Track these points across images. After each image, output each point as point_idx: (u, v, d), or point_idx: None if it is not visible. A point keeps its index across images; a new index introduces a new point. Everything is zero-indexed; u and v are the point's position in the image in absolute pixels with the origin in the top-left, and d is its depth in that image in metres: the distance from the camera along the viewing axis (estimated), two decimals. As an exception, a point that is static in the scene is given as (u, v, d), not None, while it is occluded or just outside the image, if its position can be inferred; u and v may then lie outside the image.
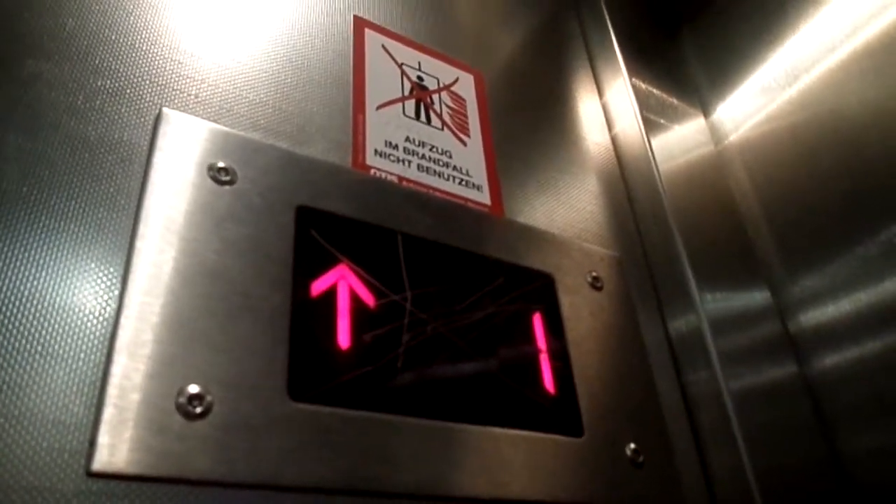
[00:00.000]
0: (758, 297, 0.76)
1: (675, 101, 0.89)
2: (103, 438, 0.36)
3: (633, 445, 0.57)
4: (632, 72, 0.86)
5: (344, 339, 0.47)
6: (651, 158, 0.78)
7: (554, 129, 0.79)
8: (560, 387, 0.56)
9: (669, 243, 0.73)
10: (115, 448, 0.36)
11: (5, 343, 0.37)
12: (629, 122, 0.83)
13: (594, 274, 0.66)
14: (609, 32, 0.91)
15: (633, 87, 0.85)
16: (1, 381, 0.36)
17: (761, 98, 0.84)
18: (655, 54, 0.94)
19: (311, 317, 0.47)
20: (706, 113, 0.91)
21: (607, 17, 0.92)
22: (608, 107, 0.87)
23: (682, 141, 0.84)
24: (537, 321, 0.58)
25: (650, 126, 0.82)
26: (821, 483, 0.64)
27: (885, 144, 0.69)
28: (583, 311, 0.62)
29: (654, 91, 0.88)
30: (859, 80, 0.73)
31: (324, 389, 0.44)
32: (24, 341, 0.37)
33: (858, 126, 0.72)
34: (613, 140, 0.84)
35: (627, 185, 0.81)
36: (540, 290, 0.61)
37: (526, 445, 0.51)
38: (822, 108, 0.77)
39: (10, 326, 0.37)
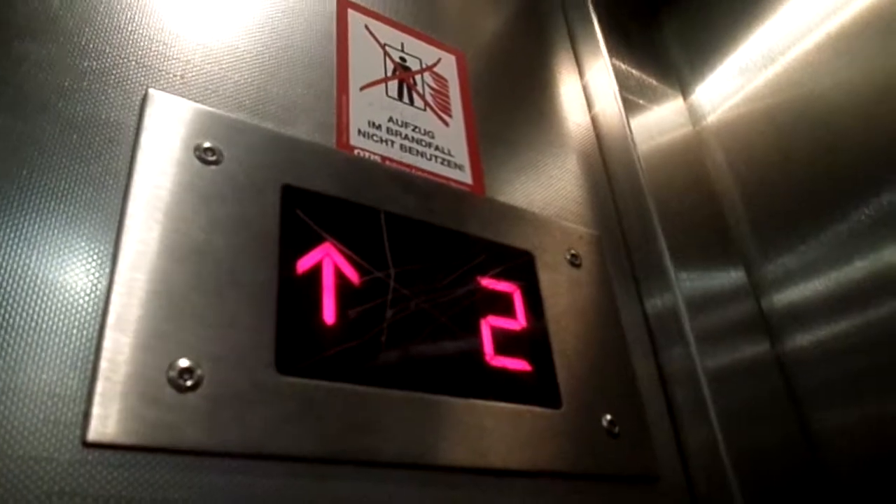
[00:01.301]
0: (733, 276, 0.77)
1: (654, 81, 0.90)
2: (97, 410, 0.38)
3: (608, 416, 0.59)
4: (612, 52, 0.87)
5: (329, 314, 0.49)
6: (630, 139, 0.79)
7: (535, 109, 0.80)
8: (539, 360, 0.58)
9: (647, 222, 0.74)
10: (108, 419, 0.38)
11: (0, 320, 0.38)
12: (609, 102, 0.84)
13: (573, 251, 0.67)
14: (590, 13, 0.91)
15: (614, 67, 0.86)
16: (-3, 355, 0.37)
17: (739, 79, 0.85)
18: (636, 35, 0.94)
19: (298, 293, 0.48)
20: (685, 94, 0.92)
21: (588, -1, 0.93)
22: (588, 87, 0.88)
23: (660, 121, 0.86)
24: (517, 297, 0.60)
25: (629, 106, 0.82)
26: (793, 459, 0.66)
27: (857, 127, 0.71)
28: (561, 287, 0.64)
29: (634, 72, 0.89)
30: (834, 63, 0.74)
31: (310, 363, 0.46)
32: (18, 318, 0.39)
33: (833, 108, 0.74)
34: (593, 120, 0.86)
35: (606, 164, 0.82)
36: (520, 267, 0.62)
37: (506, 416, 0.53)
38: (798, 91, 0.78)
39: (5, 303, 0.38)
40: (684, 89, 0.93)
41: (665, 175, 0.80)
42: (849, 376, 0.67)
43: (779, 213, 0.77)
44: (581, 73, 0.90)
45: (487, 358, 0.55)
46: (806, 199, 0.74)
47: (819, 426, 0.68)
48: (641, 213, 0.76)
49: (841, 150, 0.72)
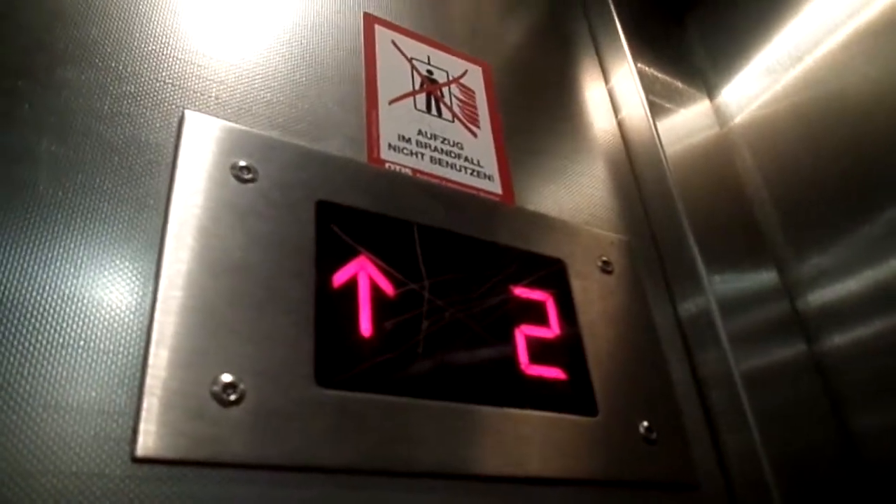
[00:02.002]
0: (765, 277, 0.76)
1: (679, 84, 0.90)
2: (144, 426, 0.39)
3: (645, 423, 0.59)
4: (636, 57, 0.87)
5: (366, 327, 0.49)
6: (657, 142, 0.79)
7: (561, 117, 0.80)
8: (573, 368, 0.58)
9: (677, 226, 0.74)
10: (156, 435, 0.39)
11: (51, 339, 0.39)
12: (635, 106, 0.84)
13: (604, 258, 0.67)
14: (613, 18, 0.91)
15: (639, 71, 0.86)
16: (49, 374, 0.38)
17: (765, 79, 0.85)
18: (660, 39, 0.94)
19: (334, 307, 0.49)
20: (711, 95, 0.92)
21: (611, 3, 0.93)
22: (614, 92, 0.88)
23: (687, 124, 0.85)
24: (550, 305, 0.60)
25: (656, 110, 0.83)
26: (832, 461, 0.65)
27: (888, 123, 0.70)
28: (594, 294, 0.64)
29: (659, 75, 0.89)
30: (861, 60, 0.74)
31: (349, 376, 0.47)
32: (67, 337, 0.40)
33: (861, 105, 0.73)
34: (620, 125, 0.86)
35: (634, 169, 0.82)
36: (552, 276, 0.62)
37: (542, 425, 0.53)
38: (826, 89, 0.77)
39: (55, 323, 0.40)
40: (710, 91, 0.93)
41: (694, 178, 0.79)
42: (887, 376, 0.66)
43: (810, 212, 0.76)
44: (606, 79, 0.90)
45: (522, 367, 0.55)
46: (837, 197, 0.74)
47: (859, 427, 0.68)
48: (671, 216, 0.75)
49: (871, 147, 0.71)
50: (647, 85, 0.85)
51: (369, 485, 0.44)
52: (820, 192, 0.76)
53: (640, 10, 0.95)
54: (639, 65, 0.86)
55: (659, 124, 0.81)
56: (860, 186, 0.71)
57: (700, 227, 0.74)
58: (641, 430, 0.58)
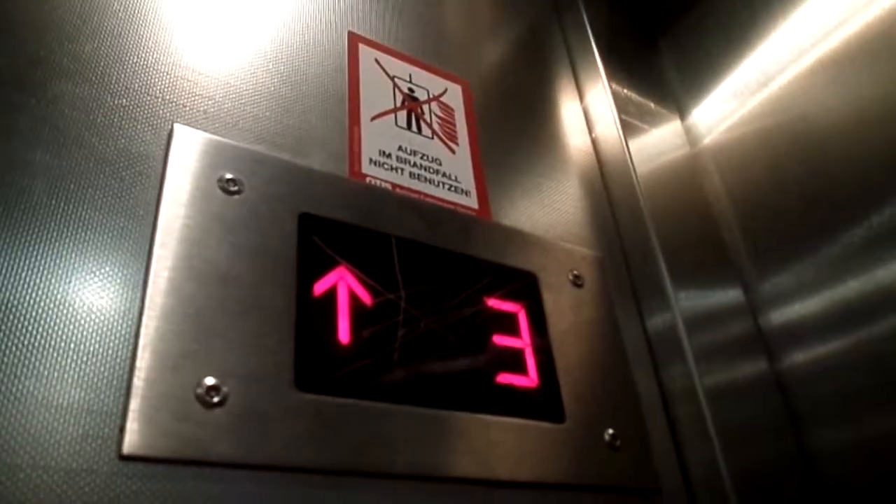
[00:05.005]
0: (731, 295, 0.79)
1: (652, 104, 0.92)
2: (132, 425, 0.40)
3: (611, 431, 0.62)
4: (611, 77, 0.90)
5: (344, 335, 0.52)
6: (629, 161, 0.82)
7: (538, 135, 0.83)
8: (543, 377, 0.61)
9: (646, 243, 0.76)
10: (142, 434, 0.40)
11: (43, 341, 0.41)
12: (608, 125, 0.87)
13: (575, 272, 0.70)
14: (589, 39, 0.94)
15: (613, 91, 0.88)
16: (40, 375, 0.40)
17: (733, 103, 0.88)
18: (634, 60, 0.97)
19: (314, 315, 0.51)
20: (682, 116, 0.94)
21: (588, 25, 0.95)
22: (588, 111, 0.91)
23: (659, 143, 0.88)
24: (522, 317, 0.63)
25: (628, 129, 0.85)
26: (790, 475, 0.68)
27: (846, 149, 0.73)
28: (564, 307, 0.67)
29: (633, 95, 0.91)
30: (825, 87, 0.77)
31: (327, 381, 0.49)
32: (58, 339, 0.42)
33: (822, 132, 0.76)
34: (594, 143, 0.88)
35: (607, 187, 0.84)
36: (524, 288, 0.65)
37: (512, 431, 0.56)
38: (790, 114, 0.80)
39: (47, 326, 0.42)
40: (682, 112, 0.95)
41: (664, 196, 0.82)
42: (844, 394, 0.69)
43: (773, 233, 0.79)
44: (581, 98, 0.92)
45: (494, 375, 0.58)
46: (799, 219, 0.76)
47: (816, 444, 0.70)
48: (641, 234, 0.78)
49: (833, 172, 0.74)
50: (621, 105, 0.87)
51: (347, 485, 0.47)
52: (782, 213, 0.78)
53: (616, 32, 0.98)
54: (613, 85, 0.89)
55: (631, 143, 0.83)
56: (821, 210, 0.74)
57: (668, 245, 0.76)
58: (607, 437, 0.61)
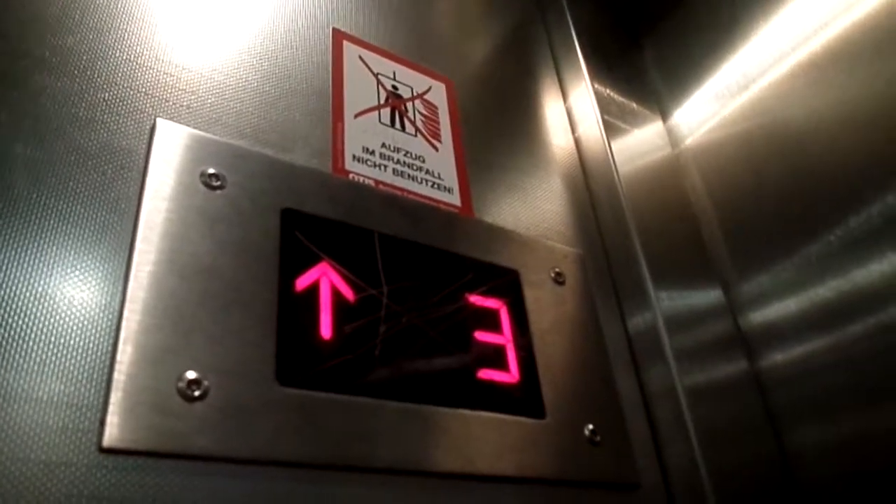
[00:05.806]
0: (711, 295, 0.79)
1: (634, 105, 0.93)
2: (112, 418, 0.40)
3: (590, 426, 0.62)
4: (594, 77, 0.91)
5: (326, 330, 0.52)
6: (611, 161, 0.82)
7: (521, 133, 0.84)
8: (524, 373, 0.61)
9: (628, 243, 0.77)
10: (122, 427, 0.41)
11: (23, 334, 0.41)
12: (591, 125, 0.87)
13: (557, 270, 0.71)
14: (573, 39, 0.94)
15: (595, 91, 0.89)
16: (20, 367, 0.40)
17: (714, 104, 0.89)
18: (617, 61, 0.98)
19: (297, 310, 0.51)
20: (664, 117, 0.95)
21: (572, 26, 0.95)
22: (571, 111, 0.91)
23: (641, 144, 0.89)
24: (504, 313, 0.63)
25: (611, 129, 0.86)
26: (769, 476, 0.68)
27: (825, 152, 0.74)
28: (546, 304, 0.67)
29: (615, 96, 0.92)
30: (805, 90, 0.77)
31: (309, 375, 0.49)
32: (39, 333, 0.42)
33: (801, 134, 0.77)
34: (576, 143, 0.89)
35: (589, 186, 0.85)
36: (506, 285, 0.66)
37: (493, 426, 0.56)
38: (770, 116, 0.81)
39: (27, 319, 0.41)
40: (664, 113, 0.96)
41: (645, 196, 0.83)
42: (822, 394, 0.69)
43: (753, 234, 0.80)
44: (564, 98, 0.93)
45: (475, 371, 0.58)
46: (778, 221, 0.77)
47: (794, 443, 0.70)
48: (623, 233, 0.78)
49: (811, 174, 0.75)
50: (604, 105, 0.88)
51: (328, 479, 0.47)
52: (762, 214, 0.79)
53: (599, 32, 0.99)
54: (596, 85, 0.90)
55: (613, 143, 0.84)
56: (799, 211, 0.75)
57: (649, 245, 0.77)
58: (586, 432, 0.62)
